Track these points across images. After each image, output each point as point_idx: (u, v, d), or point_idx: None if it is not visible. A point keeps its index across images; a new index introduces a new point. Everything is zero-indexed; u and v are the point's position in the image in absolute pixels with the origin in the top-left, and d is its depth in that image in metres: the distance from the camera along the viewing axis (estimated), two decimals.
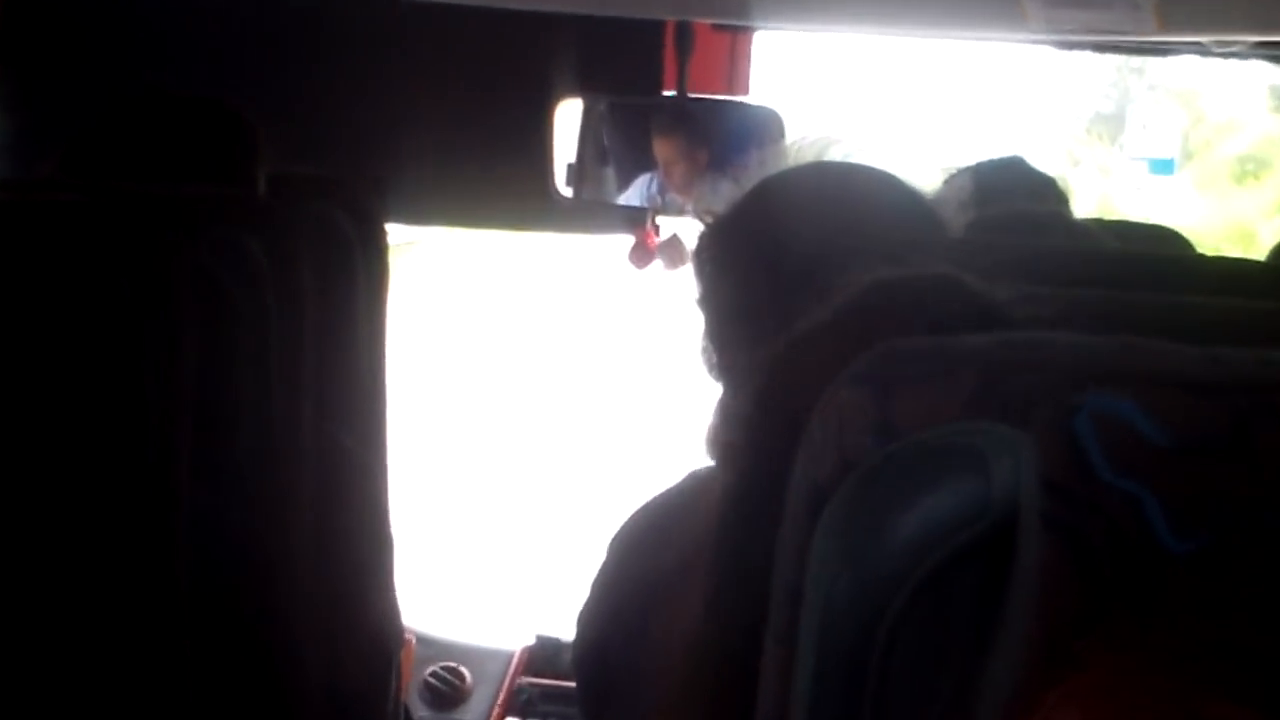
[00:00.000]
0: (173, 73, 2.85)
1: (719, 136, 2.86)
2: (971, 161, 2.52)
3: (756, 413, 1.21)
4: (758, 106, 2.85)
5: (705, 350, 1.70)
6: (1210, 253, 1.60)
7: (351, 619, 2.25)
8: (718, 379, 1.69)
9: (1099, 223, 2.57)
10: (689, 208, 2.72)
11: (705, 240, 1.71)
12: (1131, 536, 0.84)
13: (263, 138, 2.24)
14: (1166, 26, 2.02)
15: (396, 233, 2.80)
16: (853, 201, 1.62)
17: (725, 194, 1.73)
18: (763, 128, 2.76)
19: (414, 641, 3.18)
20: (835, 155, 1.70)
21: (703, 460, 1.71)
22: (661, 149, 2.90)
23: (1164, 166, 15.97)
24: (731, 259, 1.66)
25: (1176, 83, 20.42)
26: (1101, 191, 20.47)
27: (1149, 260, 1.54)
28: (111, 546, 1.56)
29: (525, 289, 14.59)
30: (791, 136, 2.60)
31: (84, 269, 1.54)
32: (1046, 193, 2.44)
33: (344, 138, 2.86)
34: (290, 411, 1.93)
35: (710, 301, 1.69)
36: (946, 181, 2.27)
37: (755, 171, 1.71)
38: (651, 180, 2.90)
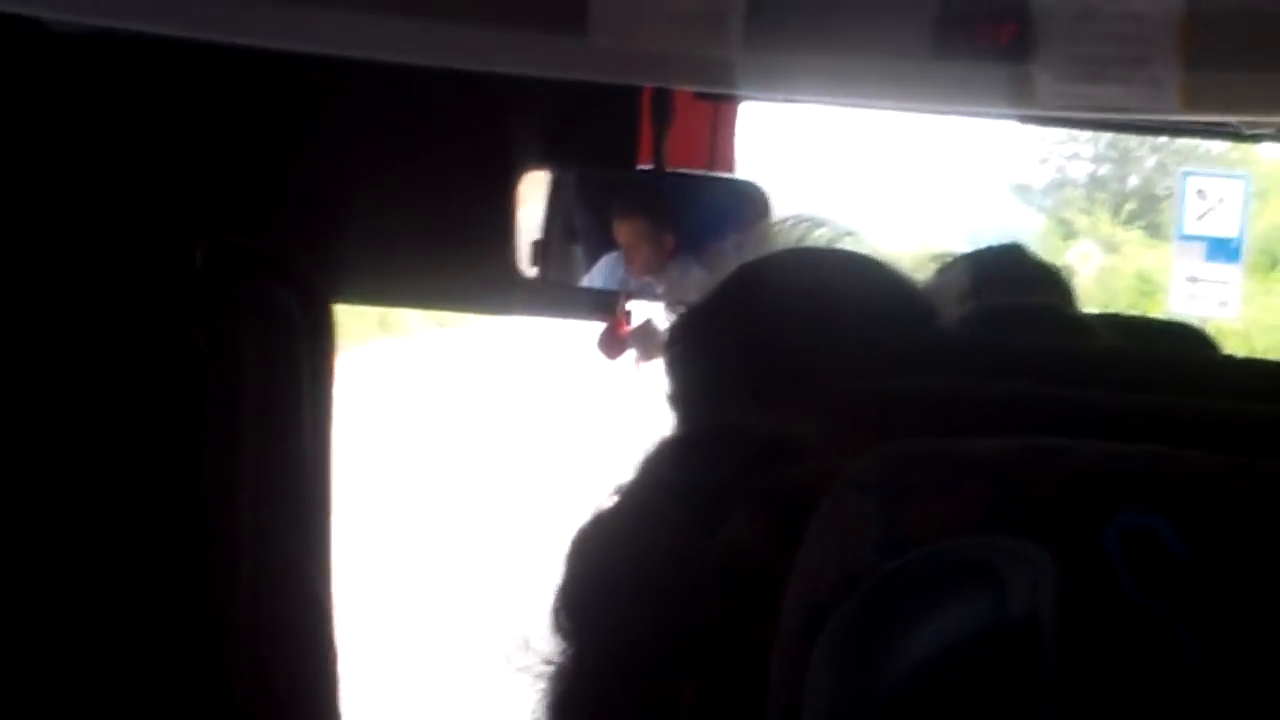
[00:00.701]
0: (92, 129, 2.84)
1: (692, 216, 2.85)
2: (968, 249, 2.53)
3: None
4: (741, 182, 2.85)
5: None
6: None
7: None
8: None
9: (1111, 318, 2.57)
10: (661, 292, 2.72)
11: (677, 332, 1.71)
12: (1164, 666, 0.84)
13: (199, 205, 2.24)
14: (1192, 105, 2.02)
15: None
16: (838, 291, 1.61)
17: (698, 280, 1.72)
18: (746, 205, 2.75)
19: None
20: (819, 240, 1.70)
21: None
22: (622, 232, 2.89)
23: (1225, 250, 14.49)
24: (705, 353, 1.65)
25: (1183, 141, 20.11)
26: (1105, 267, 19.72)
27: (1138, 359, 1.55)
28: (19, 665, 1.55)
29: (487, 371, 14.57)
30: (773, 218, 2.60)
31: None
32: (1039, 284, 2.44)
33: (288, 207, 2.85)
34: (223, 509, 1.92)
35: (683, 399, 1.68)
36: (941, 270, 2.29)
37: (731, 256, 1.71)
38: (618, 260, 2.89)
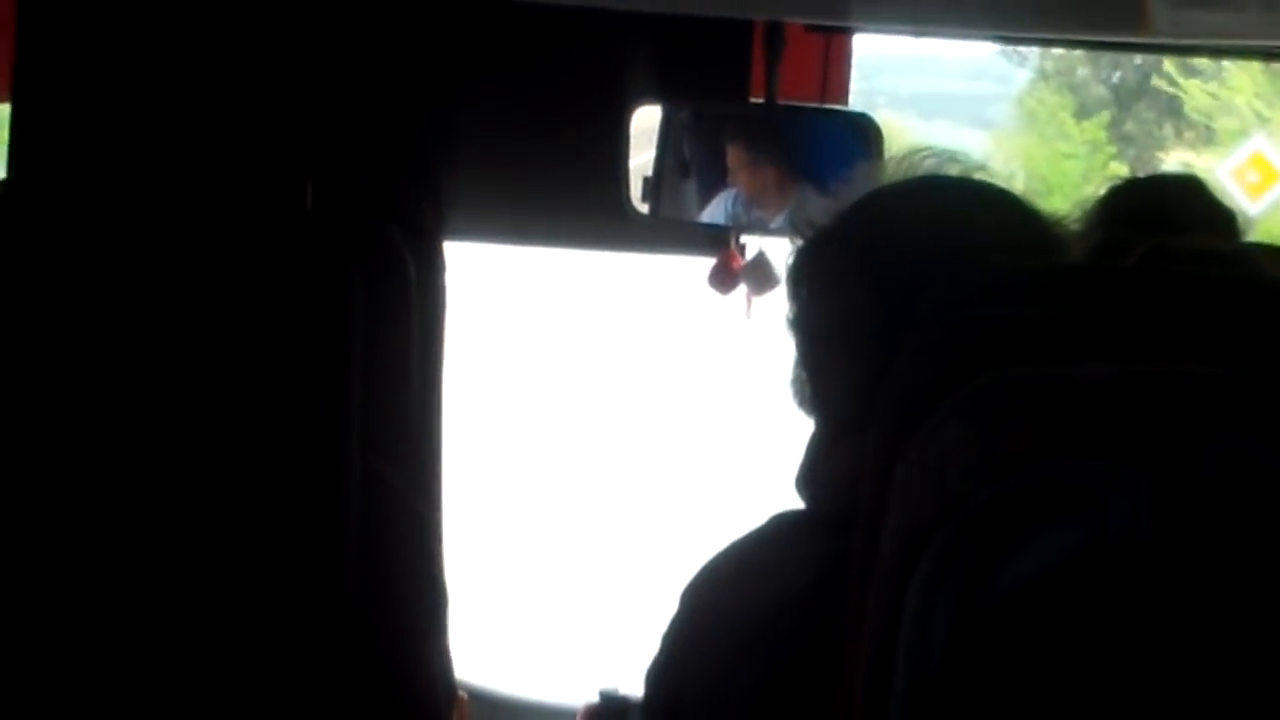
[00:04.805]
0: (204, 69, 2.86)
1: (804, 148, 2.84)
2: (1136, 179, 2.50)
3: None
4: (853, 114, 2.84)
5: (797, 379, 1.69)
6: None
7: (400, 673, 2.25)
8: (810, 411, 1.68)
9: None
10: (775, 225, 2.71)
11: (802, 256, 1.71)
12: (1266, 584, 0.84)
13: (309, 143, 2.25)
14: None
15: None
16: (965, 219, 1.62)
17: (819, 207, 1.72)
18: (857, 138, 2.74)
19: (467, 698, 3.18)
20: (949, 172, 1.70)
21: (790, 501, 1.70)
22: (735, 158, 2.88)
23: None
24: (831, 277, 1.66)
25: None
26: None
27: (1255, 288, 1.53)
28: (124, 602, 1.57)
29: (597, 313, 14.58)
30: (902, 149, 2.60)
31: (88, 287, 1.55)
32: (1199, 223, 2.39)
33: (399, 145, 2.86)
34: (334, 446, 1.93)
35: (804, 324, 1.68)
36: (1097, 203, 2.27)
37: (858, 184, 1.71)
38: (736, 195, 2.88)
